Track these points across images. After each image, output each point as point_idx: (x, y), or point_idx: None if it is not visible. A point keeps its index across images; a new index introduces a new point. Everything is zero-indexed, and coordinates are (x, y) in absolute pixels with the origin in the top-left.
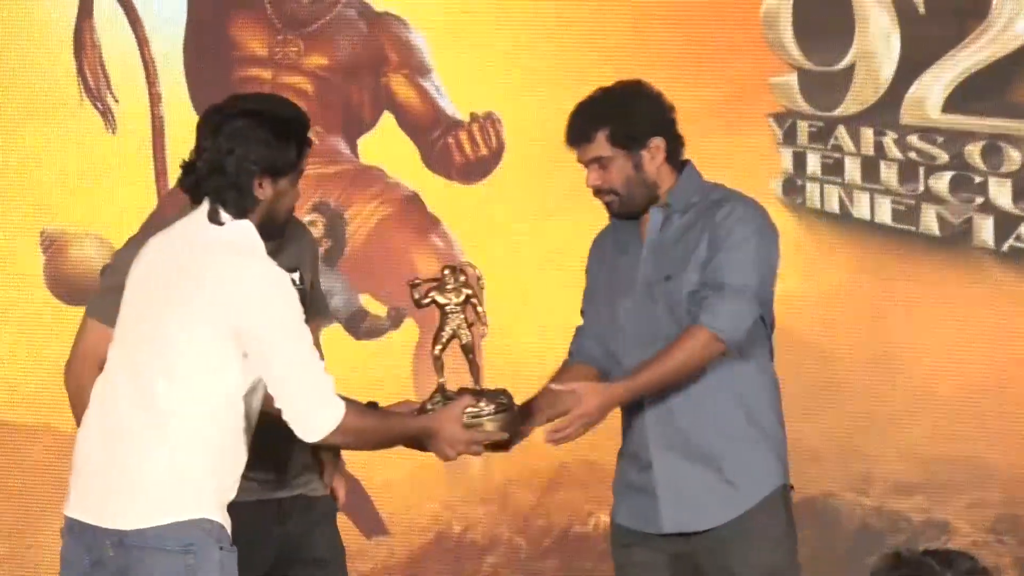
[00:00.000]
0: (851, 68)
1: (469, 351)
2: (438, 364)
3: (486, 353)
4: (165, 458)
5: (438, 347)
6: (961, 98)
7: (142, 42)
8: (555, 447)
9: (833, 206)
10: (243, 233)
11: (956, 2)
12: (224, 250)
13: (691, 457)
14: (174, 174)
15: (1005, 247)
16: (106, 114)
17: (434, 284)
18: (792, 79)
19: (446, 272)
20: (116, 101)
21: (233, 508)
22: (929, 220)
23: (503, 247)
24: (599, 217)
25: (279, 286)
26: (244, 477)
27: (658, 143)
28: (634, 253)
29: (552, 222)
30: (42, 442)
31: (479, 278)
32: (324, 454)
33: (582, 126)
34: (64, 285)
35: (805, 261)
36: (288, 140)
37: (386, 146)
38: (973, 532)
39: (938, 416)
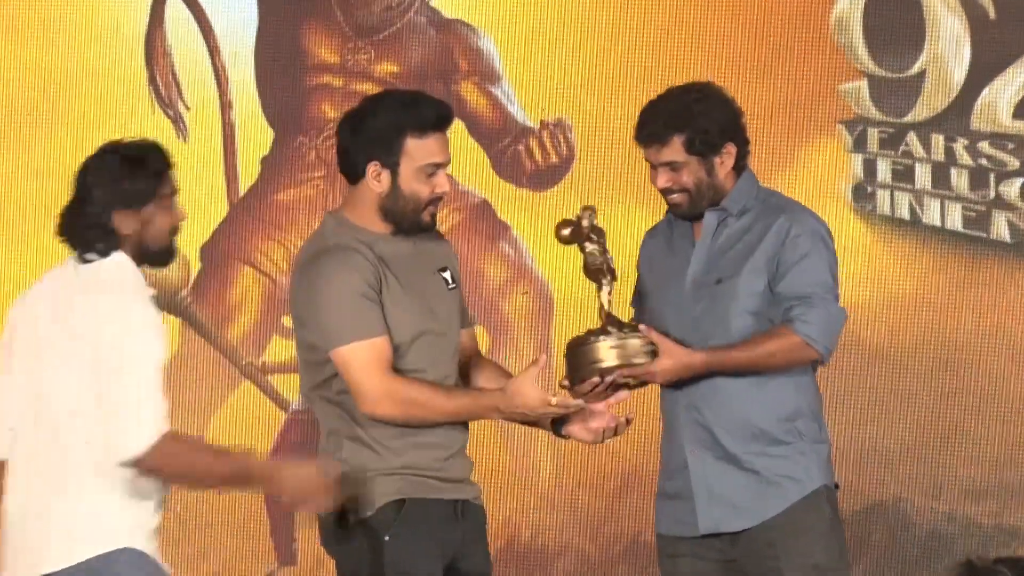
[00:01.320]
0: (922, 74)
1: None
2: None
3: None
4: (73, 497)
5: (604, 280)
6: None
7: (213, 50)
8: (628, 451)
9: (903, 213)
10: (111, 269)
11: None
12: (89, 289)
13: (724, 458)
14: (245, 181)
15: None
16: (177, 122)
17: (572, 225)
18: (863, 85)
19: (586, 212)
20: (187, 109)
21: (429, 506)
22: (1000, 226)
23: (573, 254)
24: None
25: (138, 319)
26: (436, 477)
27: (730, 149)
28: (683, 255)
29: (622, 229)
30: None
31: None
32: None
33: (658, 128)
34: None
35: (875, 268)
36: (138, 170)
37: (456, 153)
38: None
39: (1009, 421)
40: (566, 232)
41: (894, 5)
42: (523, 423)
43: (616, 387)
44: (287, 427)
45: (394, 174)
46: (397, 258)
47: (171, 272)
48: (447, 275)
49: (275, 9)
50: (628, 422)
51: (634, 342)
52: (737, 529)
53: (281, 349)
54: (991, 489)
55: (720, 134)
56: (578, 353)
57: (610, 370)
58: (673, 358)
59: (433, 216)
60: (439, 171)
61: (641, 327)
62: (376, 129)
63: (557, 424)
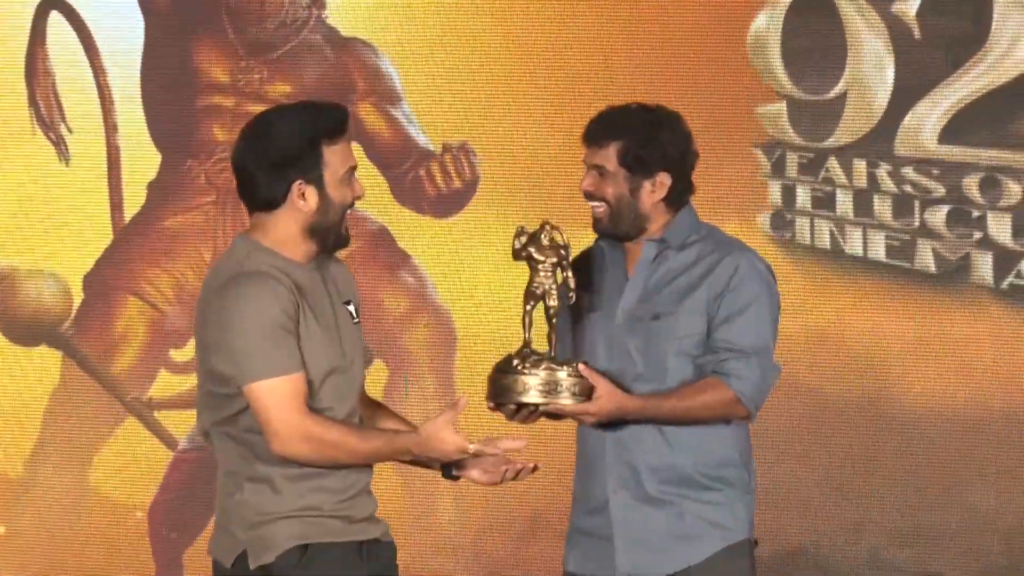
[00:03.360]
0: (843, 96)
1: (555, 315)
2: (527, 320)
3: (463, 387)
4: None
5: (530, 303)
6: (958, 128)
7: (97, 69)
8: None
9: (824, 241)
10: None
11: (953, 28)
12: None
13: (649, 500)
14: (131, 207)
15: (1004, 284)
16: (59, 145)
17: (530, 237)
18: (781, 108)
19: (545, 228)
20: (70, 131)
21: (333, 550)
22: (925, 256)
23: (477, 284)
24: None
25: None
26: (340, 517)
27: (663, 179)
28: (614, 281)
29: None
30: None
31: (567, 247)
32: None
33: (600, 130)
34: (16, 324)
35: (795, 299)
36: None
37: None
38: None
39: (933, 461)
40: (518, 245)
41: (814, 24)
42: (412, 462)
43: (539, 413)
44: (174, 465)
45: (320, 187)
46: (311, 289)
47: (52, 302)
48: (351, 308)
49: (162, 25)
50: (534, 469)
51: (562, 378)
52: (657, 574)
53: (168, 384)
54: (915, 532)
55: (658, 158)
56: (501, 381)
57: (533, 405)
58: (612, 401)
59: (347, 226)
60: (354, 174)
61: (581, 366)
62: (291, 147)
63: (448, 465)
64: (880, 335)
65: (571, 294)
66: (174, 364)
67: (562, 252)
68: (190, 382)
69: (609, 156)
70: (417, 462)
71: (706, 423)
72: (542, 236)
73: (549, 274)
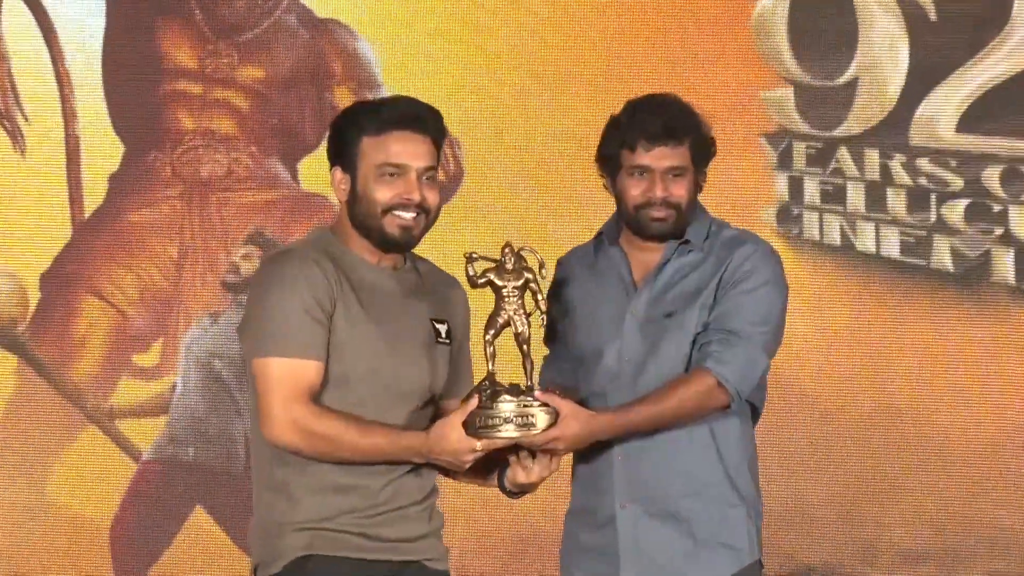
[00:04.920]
0: (854, 82)
1: (524, 341)
2: (489, 351)
3: None
4: None
5: (491, 332)
6: (977, 117)
7: (56, 54)
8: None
9: (834, 238)
10: None
11: (972, 8)
12: None
13: (660, 514)
14: (91, 201)
15: None
16: (15, 134)
17: (492, 265)
18: (788, 94)
19: (506, 251)
20: (27, 120)
21: (342, 564)
22: (942, 253)
23: (463, 278)
24: (561, 247)
25: None
26: (359, 534)
27: (704, 173)
28: (616, 287)
29: None
30: None
31: (541, 265)
32: None
33: (675, 125)
34: None
35: (802, 300)
36: None
37: (327, 172)
38: None
39: (952, 475)
40: (472, 272)
41: (823, 5)
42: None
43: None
44: (138, 478)
45: (353, 178)
46: (375, 289)
47: (6, 303)
48: (442, 327)
49: (125, 6)
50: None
51: (524, 410)
52: None
53: (131, 390)
54: (932, 552)
55: (711, 150)
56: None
57: (506, 440)
58: (578, 421)
59: (404, 228)
60: (403, 173)
61: (538, 392)
62: (337, 132)
63: (501, 478)
64: (894, 339)
65: (543, 316)
66: (137, 369)
67: (528, 275)
68: (154, 388)
69: (685, 154)
70: (447, 472)
71: (689, 419)
72: (505, 260)
73: (514, 299)
